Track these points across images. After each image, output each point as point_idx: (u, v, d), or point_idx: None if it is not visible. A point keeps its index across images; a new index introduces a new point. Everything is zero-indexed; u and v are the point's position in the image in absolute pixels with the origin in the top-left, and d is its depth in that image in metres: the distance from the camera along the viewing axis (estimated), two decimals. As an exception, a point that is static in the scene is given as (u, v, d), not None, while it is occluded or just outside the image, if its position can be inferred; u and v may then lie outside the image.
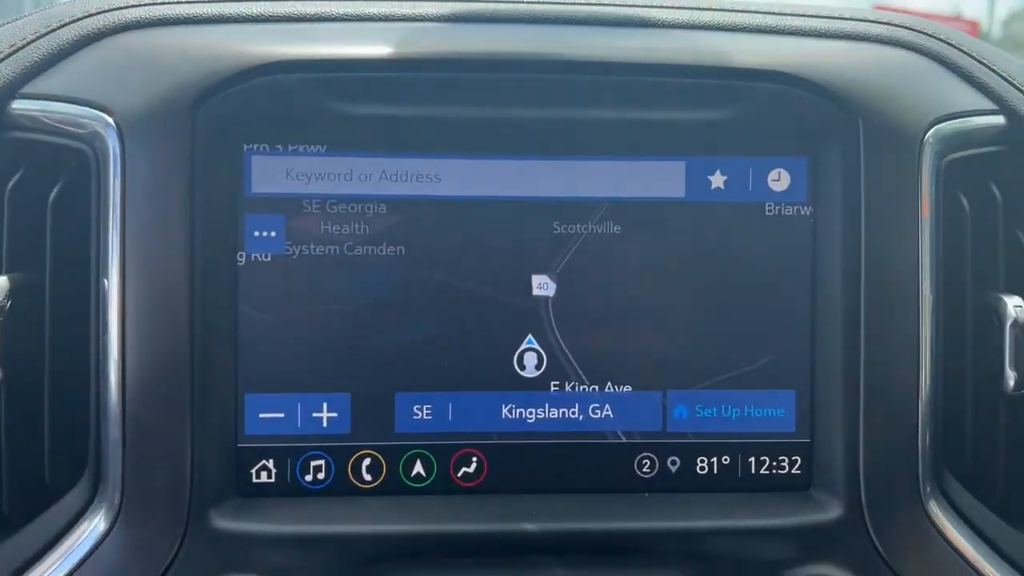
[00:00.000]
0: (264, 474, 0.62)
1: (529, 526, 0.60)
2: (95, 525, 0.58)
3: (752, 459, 0.64)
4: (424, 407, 0.62)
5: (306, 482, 0.62)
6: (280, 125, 0.61)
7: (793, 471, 0.64)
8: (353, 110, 0.60)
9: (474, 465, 0.63)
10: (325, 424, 0.62)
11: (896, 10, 0.82)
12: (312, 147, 0.62)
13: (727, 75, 0.62)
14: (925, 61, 0.66)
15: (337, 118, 0.60)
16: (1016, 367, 0.63)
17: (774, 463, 0.64)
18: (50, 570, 0.58)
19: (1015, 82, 0.66)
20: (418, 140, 0.62)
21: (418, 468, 0.63)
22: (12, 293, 0.59)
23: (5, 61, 0.61)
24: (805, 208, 0.64)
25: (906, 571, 0.61)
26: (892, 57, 0.65)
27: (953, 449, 0.65)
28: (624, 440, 0.64)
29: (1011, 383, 0.63)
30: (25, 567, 0.58)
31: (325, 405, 0.62)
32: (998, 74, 0.66)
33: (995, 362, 0.64)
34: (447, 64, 0.61)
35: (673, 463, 0.64)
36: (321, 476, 0.62)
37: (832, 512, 0.62)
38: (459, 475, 0.63)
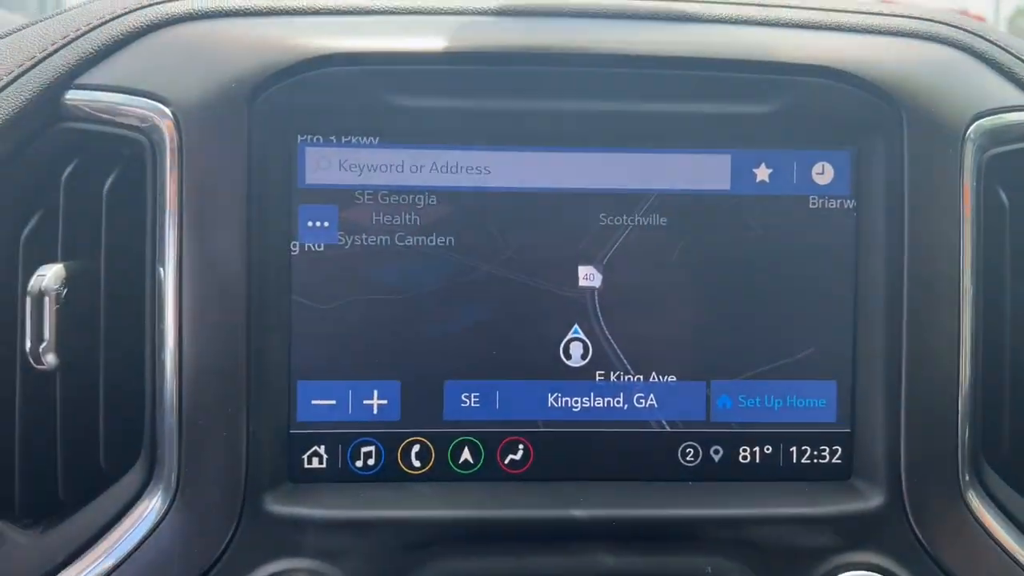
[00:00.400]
0: (316, 460, 0.63)
1: (575, 512, 0.61)
2: (152, 506, 0.59)
3: (794, 448, 0.65)
4: (472, 395, 0.63)
5: (356, 468, 0.63)
6: (334, 117, 0.62)
7: (834, 460, 0.65)
8: (406, 102, 0.61)
9: (520, 452, 0.64)
10: (375, 411, 0.63)
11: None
12: (365, 139, 0.63)
13: (772, 69, 0.63)
14: (966, 57, 0.67)
15: (390, 110, 0.61)
16: (1053, 359, 0.64)
17: (815, 453, 0.65)
18: (108, 552, 0.59)
19: (1054, 78, 0.66)
20: (469, 132, 0.63)
21: (466, 455, 0.64)
22: (68, 281, 0.60)
23: (60, 52, 0.62)
24: (848, 201, 0.65)
25: (946, 559, 0.62)
26: (934, 53, 0.66)
27: (991, 441, 0.66)
28: (668, 429, 0.65)
29: (1048, 375, 0.64)
30: (82, 549, 0.59)
31: (375, 392, 0.63)
32: None
33: None
34: (498, 57, 0.62)
35: (716, 452, 0.65)
36: (371, 462, 0.63)
37: (873, 501, 0.63)
38: (506, 462, 0.64)
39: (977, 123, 0.64)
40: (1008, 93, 0.66)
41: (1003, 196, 0.66)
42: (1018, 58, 0.67)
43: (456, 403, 0.63)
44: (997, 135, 0.65)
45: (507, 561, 0.61)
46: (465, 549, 0.61)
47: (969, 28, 0.68)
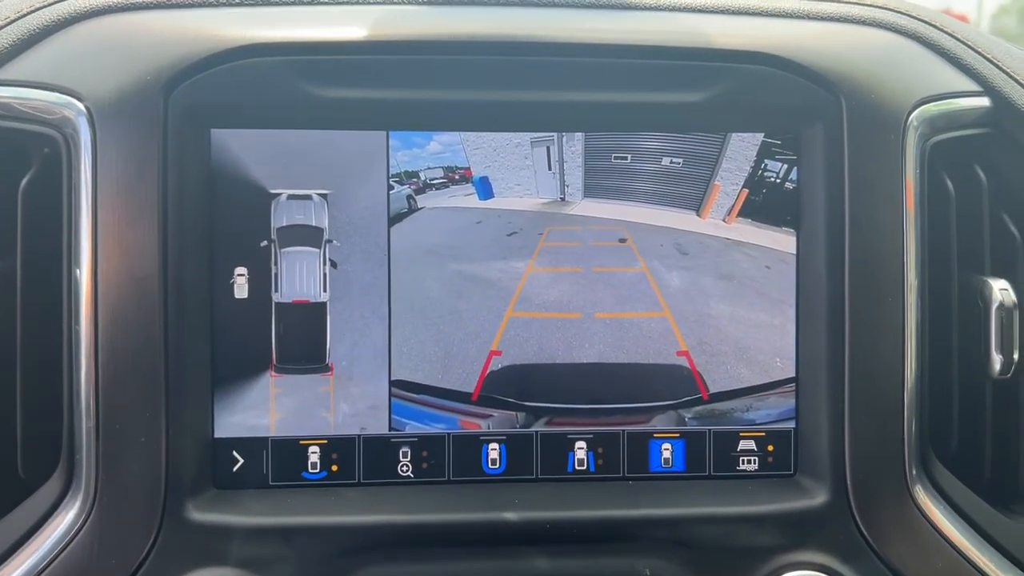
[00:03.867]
0: (240, 466, 0.61)
1: (508, 515, 0.59)
2: (69, 517, 0.57)
3: (737, 446, 0.63)
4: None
5: (282, 474, 0.61)
6: (250, 108, 0.60)
7: (780, 458, 0.64)
8: (324, 93, 0.59)
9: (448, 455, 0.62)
10: None
11: None
12: (281, 132, 0.61)
13: (707, 56, 0.61)
14: (910, 42, 0.65)
15: (308, 101, 0.59)
16: (1002, 351, 0.63)
17: (759, 450, 0.63)
18: (24, 563, 0.57)
19: (1000, 64, 0.65)
20: (385, 123, 0.61)
21: (400, 459, 0.62)
22: (-17, 283, 0.58)
23: (-27, 48, 0.59)
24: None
25: (892, 556, 0.60)
26: (876, 38, 0.65)
27: (940, 434, 0.65)
28: (608, 429, 0.63)
29: (997, 367, 0.63)
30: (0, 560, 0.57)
31: None
32: (983, 56, 0.65)
33: (981, 346, 0.63)
34: (420, 46, 0.60)
35: (657, 450, 0.63)
36: (298, 467, 0.61)
37: (818, 498, 0.61)
38: (432, 466, 0.62)
39: (920, 109, 0.62)
40: (953, 79, 0.65)
41: (949, 183, 0.65)
42: (964, 43, 0.66)
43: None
44: (941, 121, 0.63)
45: (438, 566, 0.59)
46: (394, 555, 0.59)
47: (912, 13, 0.67)
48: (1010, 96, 0.64)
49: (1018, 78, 0.65)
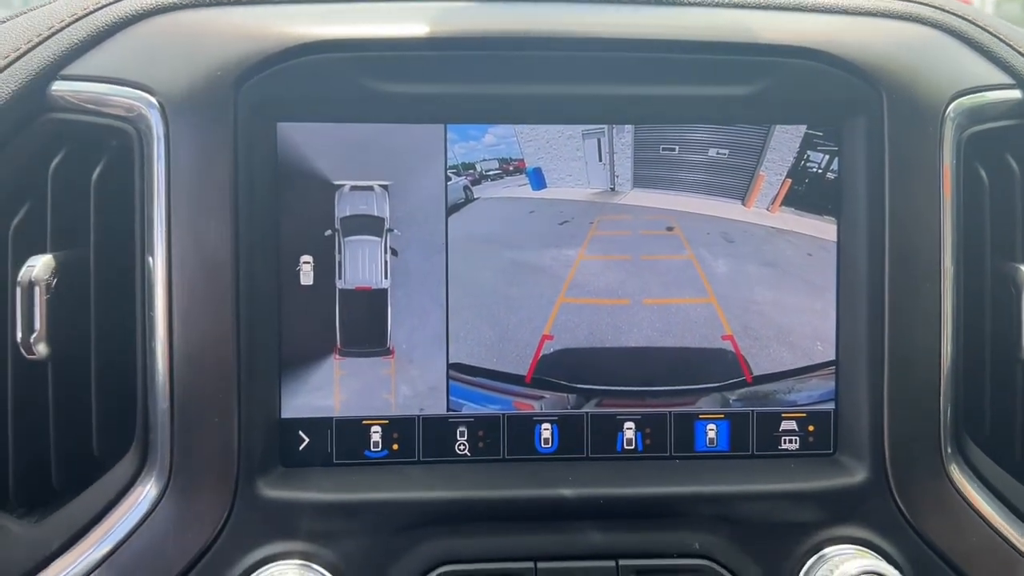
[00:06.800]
0: (306, 445, 0.64)
1: (564, 491, 0.62)
2: (146, 493, 0.59)
3: (780, 427, 0.66)
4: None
5: (346, 452, 0.64)
6: (314, 103, 0.62)
7: (820, 437, 0.66)
8: (385, 88, 0.62)
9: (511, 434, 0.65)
10: None
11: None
12: (345, 126, 0.63)
13: (752, 51, 0.64)
14: (946, 37, 0.67)
15: (369, 96, 0.62)
16: (1032, 335, 0.65)
17: (802, 430, 0.66)
18: (103, 539, 0.59)
19: (1032, 57, 0.67)
20: (443, 116, 0.64)
21: (460, 439, 0.65)
22: (58, 271, 0.60)
23: (45, 43, 0.62)
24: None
25: (928, 531, 0.63)
26: (914, 33, 0.67)
27: (974, 416, 0.67)
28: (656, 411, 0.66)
29: (1028, 350, 0.65)
30: (77, 537, 0.60)
31: None
32: (1015, 49, 0.67)
33: (1012, 330, 0.66)
34: (476, 43, 0.63)
35: (704, 431, 0.66)
36: (362, 446, 0.64)
37: (857, 476, 0.64)
38: (494, 445, 0.65)
39: (956, 102, 0.65)
40: (987, 72, 0.67)
41: (983, 174, 0.67)
42: (996, 37, 0.68)
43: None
44: (976, 114, 0.65)
45: (494, 540, 0.62)
46: (455, 529, 0.62)
47: (948, 8, 0.69)
48: (1042, 89, 0.66)
49: (1049, 71, 0.67)
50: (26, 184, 0.62)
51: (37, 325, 0.59)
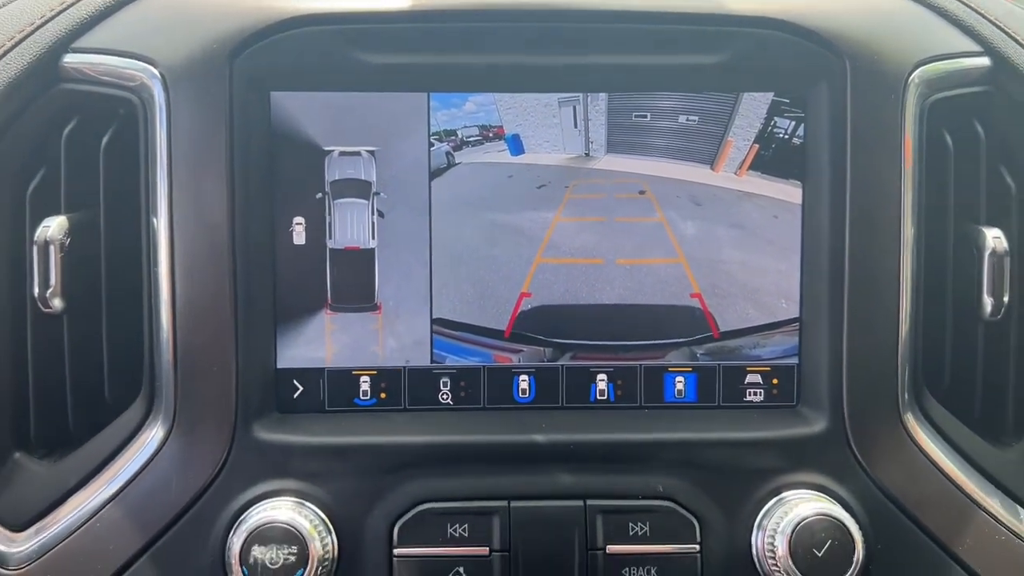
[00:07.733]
0: (300, 393, 0.68)
1: (537, 437, 0.66)
2: (153, 436, 0.65)
3: (745, 379, 0.70)
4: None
5: (337, 400, 0.69)
6: (305, 73, 0.66)
7: (783, 390, 0.70)
8: (372, 58, 0.65)
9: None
10: None
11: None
12: (334, 94, 0.67)
13: (718, 21, 0.66)
14: (913, 4, 0.70)
15: (357, 66, 0.66)
16: (993, 294, 0.68)
17: (766, 383, 0.70)
18: (114, 477, 0.65)
19: (1001, 24, 0.69)
20: (426, 85, 0.67)
21: (441, 388, 0.69)
22: (71, 231, 0.65)
23: (56, 18, 0.66)
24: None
25: (883, 478, 0.66)
26: (879, 1, 0.69)
27: (934, 372, 0.70)
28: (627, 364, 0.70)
29: (988, 309, 0.68)
30: (91, 475, 0.65)
31: None
32: (984, 16, 0.69)
33: (973, 290, 0.68)
34: (457, 15, 0.66)
35: (674, 382, 0.70)
36: (352, 395, 0.69)
37: (817, 426, 0.67)
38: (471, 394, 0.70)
39: (921, 69, 0.67)
40: (952, 39, 0.69)
41: (948, 139, 0.69)
42: (965, 4, 0.70)
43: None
44: (941, 81, 0.68)
45: (474, 481, 0.66)
46: (436, 471, 0.66)
47: None
48: (1009, 56, 0.68)
49: (1018, 38, 0.69)
50: (41, 151, 0.67)
51: (53, 281, 0.65)
